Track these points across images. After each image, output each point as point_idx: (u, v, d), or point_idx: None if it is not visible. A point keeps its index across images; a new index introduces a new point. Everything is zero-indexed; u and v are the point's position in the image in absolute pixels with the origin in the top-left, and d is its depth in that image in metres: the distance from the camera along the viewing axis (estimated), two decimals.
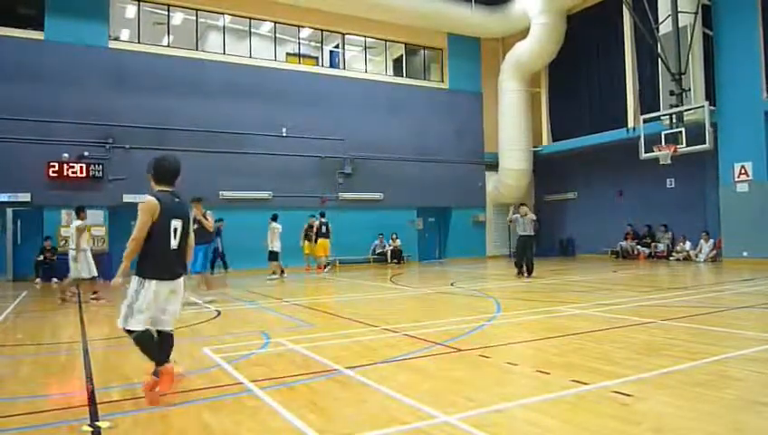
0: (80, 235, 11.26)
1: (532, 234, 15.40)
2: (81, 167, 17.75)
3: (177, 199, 4.68)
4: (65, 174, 17.52)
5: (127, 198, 18.35)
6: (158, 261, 4.46)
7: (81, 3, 18.22)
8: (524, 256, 15.11)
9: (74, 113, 17.81)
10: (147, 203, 4.46)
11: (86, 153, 17.92)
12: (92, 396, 4.58)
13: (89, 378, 5.22)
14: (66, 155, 17.66)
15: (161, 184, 4.70)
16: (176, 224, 4.56)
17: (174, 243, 4.54)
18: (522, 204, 16.18)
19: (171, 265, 4.53)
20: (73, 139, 17.78)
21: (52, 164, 17.37)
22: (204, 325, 8.31)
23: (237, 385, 4.81)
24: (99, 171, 17.98)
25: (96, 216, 18.12)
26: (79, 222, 11.35)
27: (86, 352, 6.46)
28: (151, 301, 4.38)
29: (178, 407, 4.27)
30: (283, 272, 16.64)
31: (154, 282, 4.40)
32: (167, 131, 19.03)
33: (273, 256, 16.57)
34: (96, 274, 11.62)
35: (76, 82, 17.95)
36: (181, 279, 4.63)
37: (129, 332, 4.41)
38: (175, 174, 4.77)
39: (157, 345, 4.47)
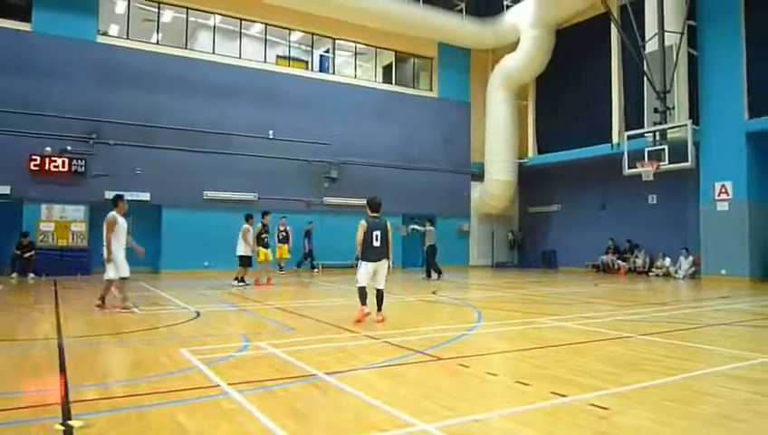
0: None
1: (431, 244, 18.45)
2: (64, 161, 17.53)
3: (377, 220, 8.63)
4: (47, 168, 17.29)
5: (109, 195, 18.12)
6: (368, 252, 8.50)
7: None
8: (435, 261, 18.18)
9: (59, 107, 17.60)
10: (361, 223, 8.60)
11: (69, 148, 17.71)
12: (66, 394, 4.50)
13: (63, 376, 5.13)
14: (49, 149, 17.45)
15: (371, 211, 8.72)
16: (376, 233, 8.50)
17: (376, 243, 8.49)
18: (429, 220, 19.41)
19: (374, 254, 8.50)
20: (57, 132, 17.56)
21: (33, 157, 17.14)
22: (182, 326, 8.22)
23: (215, 387, 4.76)
24: (81, 166, 17.77)
25: (77, 211, 17.92)
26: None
27: (61, 349, 6.35)
28: (365, 272, 8.53)
29: (154, 407, 4.21)
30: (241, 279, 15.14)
31: (365, 263, 8.53)
32: (152, 129, 18.89)
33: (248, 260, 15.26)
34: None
35: (62, 75, 17.75)
36: (382, 261, 8.57)
37: (359, 287, 8.60)
38: (376, 207, 8.75)
39: (365, 295, 8.60)
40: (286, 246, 18.49)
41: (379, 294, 8.62)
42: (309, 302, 12.24)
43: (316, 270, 20.96)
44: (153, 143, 18.88)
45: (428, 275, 18.27)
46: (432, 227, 18.76)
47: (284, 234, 18.54)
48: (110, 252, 9.46)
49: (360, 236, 8.47)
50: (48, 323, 8.40)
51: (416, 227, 19.28)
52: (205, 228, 19.02)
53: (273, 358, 5.99)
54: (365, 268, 8.50)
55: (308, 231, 20.80)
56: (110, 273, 9.54)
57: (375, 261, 8.49)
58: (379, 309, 8.59)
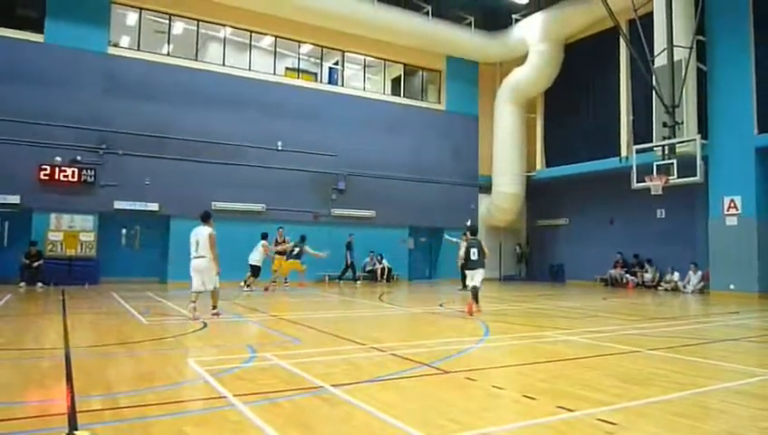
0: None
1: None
2: (74, 171, 17.66)
3: (475, 241, 11.91)
4: (57, 178, 17.42)
5: (118, 205, 18.28)
6: (469, 263, 11.77)
7: (83, 8, 18.29)
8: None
9: (69, 117, 17.77)
10: (462, 244, 14.19)
11: (79, 157, 17.86)
12: (72, 404, 4.52)
13: (69, 385, 5.15)
14: (59, 159, 17.60)
15: (471, 235, 12.59)
16: (473, 250, 11.65)
17: (473, 256, 11.64)
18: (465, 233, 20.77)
19: (473, 264, 11.70)
20: (67, 142, 17.72)
21: (43, 167, 17.29)
22: (189, 337, 8.24)
23: (221, 399, 4.76)
24: (91, 176, 17.89)
25: (86, 221, 18.02)
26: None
27: (68, 359, 6.37)
28: (469, 276, 11.88)
29: (160, 419, 4.22)
30: (248, 285, 16.79)
31: (467, 270, 12.07)
32: (162, 139, 19.03)
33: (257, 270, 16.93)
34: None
35: (74, 85, 17.94)
36: (478, 269, 11.71)
37: (471, 287, 11.69)
38: (473, 231, 12.86)
39: (474, 294, 11.50)
40: (284, 257, 18.26)
41: (475, 290, 11.57)
42: (315, 314, 12.23)
43: (359, 282, 21.08)
44: (162, 154, 19.01)
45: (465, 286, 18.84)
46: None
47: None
48: (218, 263, 10.31)
49: (461, 252, 12.49)
50: (55, 332, 8.44)
51: (453, 239, 19.62)
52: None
53: (279, 369, 5.99)
54: (468, 274, 12.04)
55: (349, 243, 20.84)
56: (215, 282, 10.36)
57: (473, 269, 11.80)
58: (476, 302, 11.47)
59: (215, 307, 10.47)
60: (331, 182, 21.87)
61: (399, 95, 24.69)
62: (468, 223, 19.82)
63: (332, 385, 5.20)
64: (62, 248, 17.62)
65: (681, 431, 4.05)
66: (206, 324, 9.42)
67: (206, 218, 10.58)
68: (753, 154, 17.23)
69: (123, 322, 9.74)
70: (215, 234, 10.31)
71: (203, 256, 10.13)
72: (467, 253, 11.78)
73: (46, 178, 17.32)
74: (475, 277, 11.70)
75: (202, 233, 10.22)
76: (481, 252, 11.67)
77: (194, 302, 10.14)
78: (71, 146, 17.78)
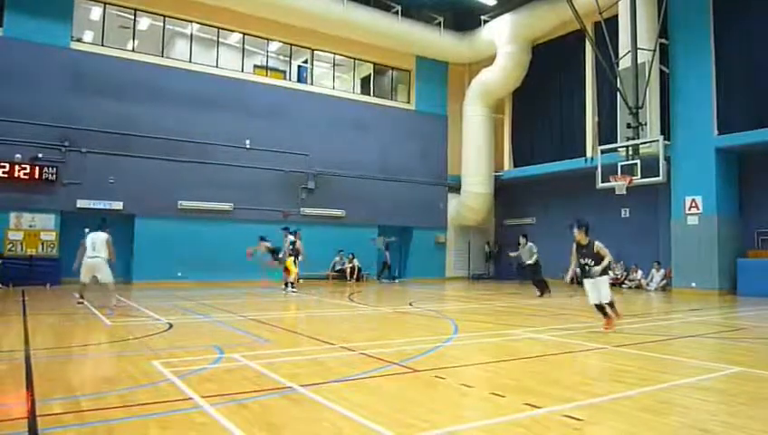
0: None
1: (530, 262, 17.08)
2: (34, 169, 17.16)
3: (585, 249, 9.27)
4: (16, 175, 16.91)
5: (81, 204, 17.85)
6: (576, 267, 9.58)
7: (45, 1, 17.78)
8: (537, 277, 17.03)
9: (30, 113, 17.26)
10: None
11: (40, 155, 17.36)
12: (32, 408, 4.38)
13: (29, 389, 5.00)
14: (19, 156, 17.08)
15: (583, 232, 9.42)
16: (585, 261, 9.21)
17: (583, 261, 9.24)
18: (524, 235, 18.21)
19: (584, 274, 9.25)
20: (27, 139, 17.21)
21: (2, 164, 16.75)
22: (154, 338, 8.08)
23: (187, 401, 4.68)
24: (52, 174, 17.42)
25: (47, 220, 17.55)
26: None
27: (28, 362, 6.18)
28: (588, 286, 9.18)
29: (124, 421, 4.12)
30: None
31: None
32: (127, 137, 18.64)
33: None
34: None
35: (35, 81, 17.44)
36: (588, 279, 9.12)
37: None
38: (586, 227, 9.47)
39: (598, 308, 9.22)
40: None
41: (602, 309, 9.28)
42: (284, 314, 12.15)
43: (398, 280, 21.65)
44: (127, 152, 18.62)
45: (541, 293, 16.77)
46: (530, 244, 17.52)
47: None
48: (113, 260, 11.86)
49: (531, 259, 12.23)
50: (15, 334, 8.19)
51: (512, 253, 18.23)
52: (179, 238, 18.79)
53: (247, 370, 5.92)
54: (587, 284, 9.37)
55: (387, 243, 20.81)
56: (112, 278, 11.79)
57: (587, 278, 9.26)
58: (605, 314, 9.30)
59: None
60: (300, 181, 21.73)
61: (369, 94, 24.67)
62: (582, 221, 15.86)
63: (301, 385, 5.16)
64: (22, 248, 17.13)
65: (645, 426, 4.14)
66: (171, 325, 9.26)
67: (102, 225, 12.03)
68: (714, 154, 17.70)
69: (86, 323, 9.50)
70: (110, 238, 11.75)
71: (98, 256, 11.49)
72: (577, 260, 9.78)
73: (5, 175, 16.78)
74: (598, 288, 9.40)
75: (100, 237, 11.63)
76: (595, 260, 9.30)
77: (81, 293, 11.79)
78: (31, 143, 17.27)
